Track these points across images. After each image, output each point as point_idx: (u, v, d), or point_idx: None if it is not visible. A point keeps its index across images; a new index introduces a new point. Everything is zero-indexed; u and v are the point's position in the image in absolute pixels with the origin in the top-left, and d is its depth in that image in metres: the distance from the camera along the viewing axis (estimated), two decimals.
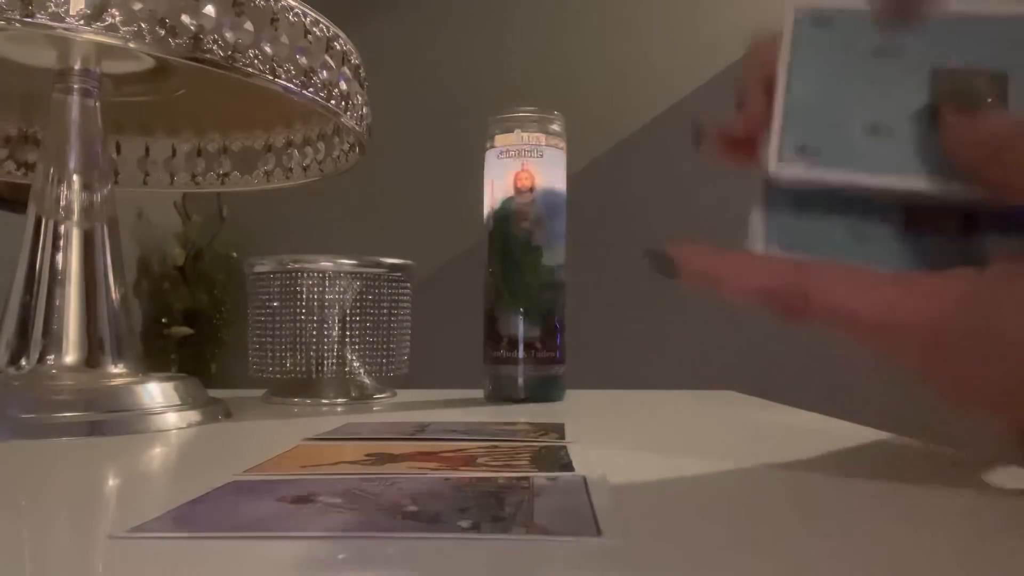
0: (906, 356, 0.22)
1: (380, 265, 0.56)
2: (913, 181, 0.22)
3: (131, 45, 0.36)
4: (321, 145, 0.56)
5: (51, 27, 0.34)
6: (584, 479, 0.25)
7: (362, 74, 0.50)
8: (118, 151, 0.59)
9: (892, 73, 0.23)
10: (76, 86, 0.44)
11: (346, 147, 0.55)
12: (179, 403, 0.42)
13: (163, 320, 1.59)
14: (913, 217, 0.23)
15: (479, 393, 0.57)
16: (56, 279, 0.42)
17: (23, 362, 0.41)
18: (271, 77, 0.40)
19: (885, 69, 0.23)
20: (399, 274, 0.57)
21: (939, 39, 0.23)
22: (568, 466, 0.28)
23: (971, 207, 0.22)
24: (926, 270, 0.22)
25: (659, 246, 0.25)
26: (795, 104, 0.24)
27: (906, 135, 0.23)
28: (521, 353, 0.55)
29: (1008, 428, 0.23)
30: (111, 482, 0.29)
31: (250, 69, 0.39)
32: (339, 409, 0.51)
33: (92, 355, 0.42)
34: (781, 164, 0.23)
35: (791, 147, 0.23)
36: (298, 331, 0.54)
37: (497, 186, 0.57)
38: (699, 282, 0.24)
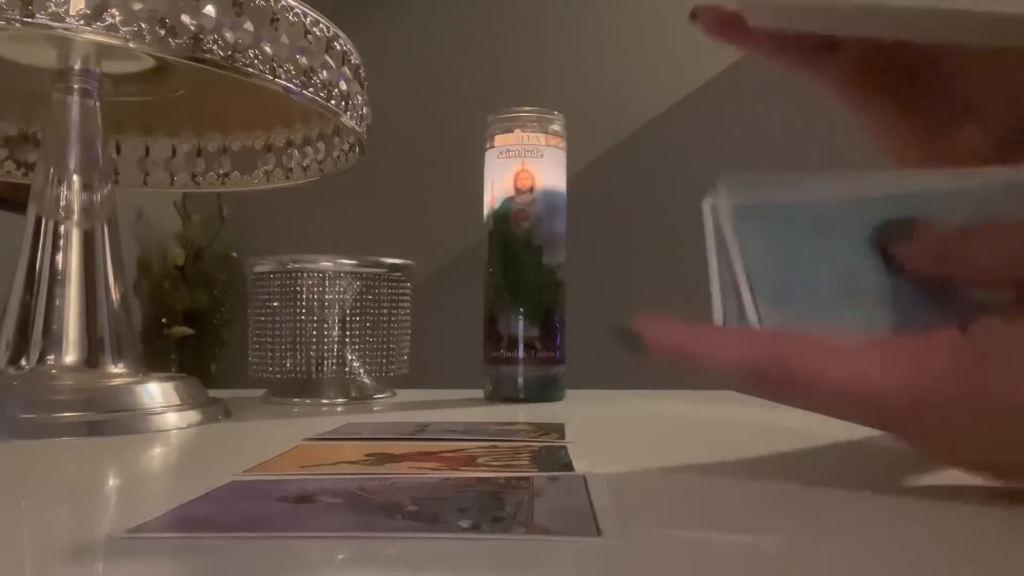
0: (891, 423, 0.22)
1: (380, 265, 0.56)
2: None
3: (131, 45, 0.36)
4: (321, 145, 0.56)
5: (51, 27, 0.34)
6: (584, 479, 0.25)
7: (362, 74, 0.50)
8: (118, 151, 0.59)
9: (838, 243, 0.24)
10: (76, 86, 0.44)
11: (346, 147, 0.55)
12: (179, 403, 0.42)
13: (163, 320, 1.59)
14: (898, 270, 0.23)
15: (479, 393, 0.57)
16: (56, 279, 0.42)
17: (23, 362, 0.41)
18: (271, 77, 0.40)
19: (830, 240, 0.24)
20: (399, 274, 0.57)
21: (871, 212, 0.24)
22: (568, 466, 0.28)
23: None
24: (910, 329, 0.22)
25: (624, 323, 0.24)
26: (755, 272, 0.24)
27: (874, 290, 0.23)
28: (521, 353, 0.55)
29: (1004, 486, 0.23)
30: (111, 482, 0.29)
31: (250, 69, 0.39)
32: (339, 409, 0.51)
33: (92, 355, 0.42)
34: (761, 316, 0.24)
35: (767, 306, 0.24)
36: (298, 331, 0.54)
37: (497, 186, 0.57)
38: (669, 356, 0.23)
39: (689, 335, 0.23)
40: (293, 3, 0.42)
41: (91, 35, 0.35)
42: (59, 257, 0.43)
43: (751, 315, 0.24)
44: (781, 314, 0.23)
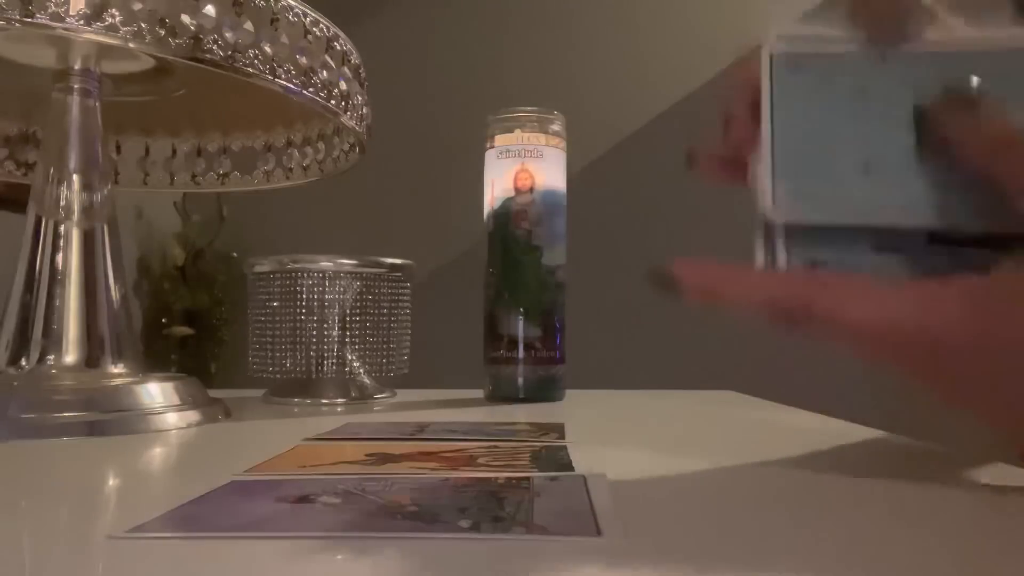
0: (909, 364, 0.22)
1: (380, 265, 0.56)
2: (912, 216, 0.23)
3: (131, 45, 0.36)
4: (321, 145, 0.56)
5: (51, 27, 0.34)
6: (584, 479, 0.25)
7: (362, 74, 0.50)
8: (118, 151, 0.59)
9: (875, 111, 0.23)
10: (76, 86, 0.44)
11: (346, 147, 0.55)
12: (179, 403, 0.42)
13: (163, 320, 1.59)
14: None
15: (479, 393, 0.57)
16: (56, 279, 0.42)
17: (23, 362, 0.41)
18: (271, 77, 0.40)
19: (867, 108, 0.23)
20: (399, 274, 0.57)
21: (917, 75, 0.23)
22: (568, 466, 0.28)
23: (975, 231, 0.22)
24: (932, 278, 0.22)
25: (660, 264, 0.25)
26: (782, 149, 0.24)
27: (899, 169, 0.23)
28: (521, 353, 0.55)
29: (1009, 435, 0.23)
30: (111, 482, 0.29)
31: (250, 69, 0.39)
32: (339, 409, 0.51)
33: (92, 355, 0.42)
34: (776, 208, 0.23)
35: (783, 191, 0.23)
36: (298, 331, 0.54)
37: (497, 186, 0.57)
38: (702, 296, 0.24)
39: (721, 275, 0.24)
40: (293, 3, 0.42)
41: (91, 35, 0.35)
42: (59, 257, 0.43)
43: (765, 200, 0.23)
44: (795, 194, 0.23)
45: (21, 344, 0.41)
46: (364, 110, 0.50)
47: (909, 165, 0.23)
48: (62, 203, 0.43)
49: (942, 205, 0.22)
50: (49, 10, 0.34)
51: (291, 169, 0.58)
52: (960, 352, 0.21)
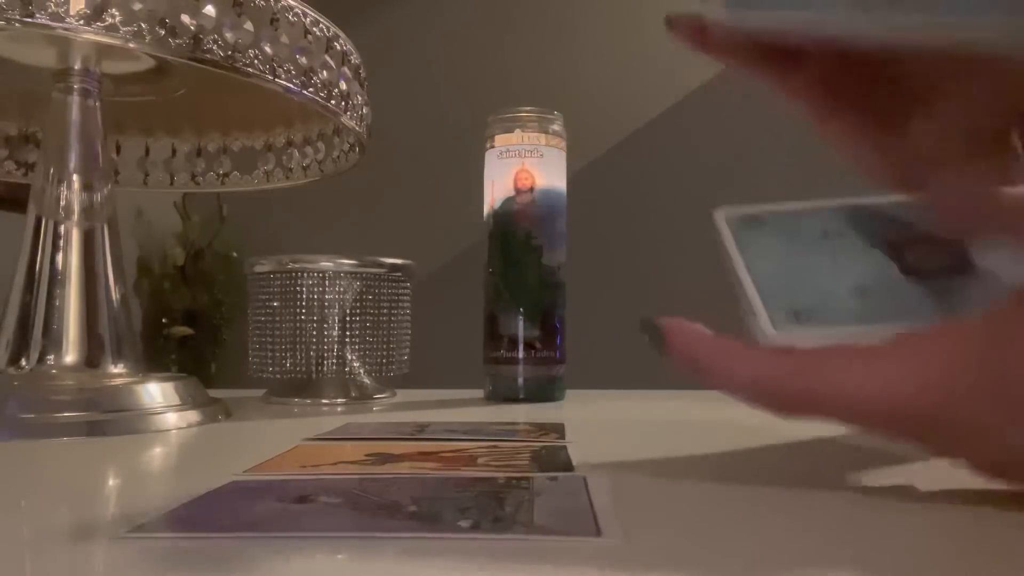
0: (919, 431, 0.20)
1: (380, 265, 0.56)
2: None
3: (131, 45, 0.36)
4: (321, 145, 0.56)
5: (51, 27, 0.34)
6: (584, 479, 0.25)
7: (362, 74, 0.50)
8: (118, 151, 0.59)
9: (846, 247, 0.24)
10: (76, 86, 0.44)
11: (346, 147, 0.55)
12: (179, 403, 0.42)
13: (163, 320, 1.59)
14: (906, 260, 0.23)
15: (479, 393, 0.57)
16: (56, 279, 0.42)
17: (23, 362, 0.41)
18: (271, 77, 0.40)
19: (836, 245, 0.24)
20: (399, 274, 0.57)
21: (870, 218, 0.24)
22: (568, 466, 0.28)
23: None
24: (927, 323, 0.21)
25: (653, 318, 0.25)
26: (766, 285, 0.24)
27: (889, 289, 0.23)
28: (521, 353, 0.55)
29: None
30: (111, 482, 0.29)
31: (250, 69, 0.39)
32: (339, 409, 0.51)
33: (92, 355, 0.42)
34: (779, 332, 0.23)
35: (782, 315, 0.23)
36: (298, 331, 0.54)
37: (497, 186, 0.57)
38: (688, 367, 0.23)
39: (710, 350, 0.23)
40: (293, 3, 0.42)
41: (91, 35, 0.35)
42: (59, 257, 0.43)
43: (766, 327, 0.23)
44: (798, 325, 0.23)
45: (21, 344, 0.41)
46: (364, 110, 0.50)
47: (895, 281, 0.23)
48: (62, 203, 0.43)
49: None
50: (49, 10, 0.34)
51: (291, 169, 0.58)
52: (973, 403, 0.19)
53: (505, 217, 0.56)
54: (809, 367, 0.21)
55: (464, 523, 0.20)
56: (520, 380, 0.55)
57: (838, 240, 0.24)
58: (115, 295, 0.44)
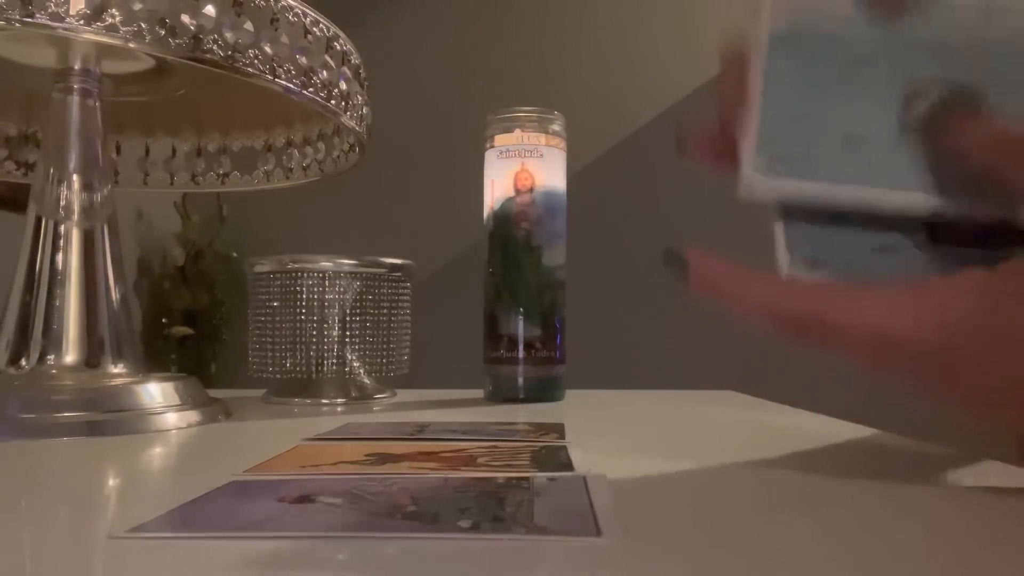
0: (918, 367, 0.22)
1: (380, 265, 0.56)
2: (892, 196, 0.22)
3: (131, 45, 0.36)
4: (321, 145, 0.56)
5: (51, 27, 0.34)
6: (584, 479, 0.25)
7: (362, 74, 0.50)
8: (118, 151, 0.59)
9: (864, 86, 0.23)
10: (76, 86, 0.44)
11: (346, 147, 0.55)
12: (179, 403, 0.42)
13: (163, 320, 1.59)
14: (935, 227, 0.23)
15: (479, 393, 0.57)
16: (56, 279, 0.42)
17: (23, 362, 0.41)
18: (271, 77, 0.40)
19: (856, 83, 0.23)
20: (399, 274, 0.57)
21: (908, 54, 0.23)
22: (568, 466, 0.28)
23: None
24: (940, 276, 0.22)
25: (678, 247, 0.25)
26: (768, 118, 0.24)
27: (885, 145, 0.23)
28: (521, 353, 0.55)
29: (1017, 434, 0.23)
30: (111, 482, 0.29)
31: (250, 69, 0.39)
32: (339, 409, 0.51)
33: (92, 355, 0.42)
34: (755, 176, 0.23)
35: (765, 160, 0.23)
36: (298, 331, 0.54)
37: (497, 186, 0.57)
38: (709, 292, 0.24)
39: (730, 275, 0.24)
40: (293, 3, 0.42)
41: (91, 35, 0.35)
42: (59, 257, 0.43)
43: (747, 171, 0.23)
44: (772, 168, 0.23)
45: (21, 344, 0.41)
46: (364, 110, 0.50)
47: (894, 145, 0.22)
48: (62, 203, 0.43)
49: (927, 187, 0.22)
50: (49, 10, 0.34)
51: (291, 169, 0.58)
52: (972, 346, 0.20)
53: (505, 217, 0.56)
54: (822, 296, 0.22)
55: (464, 523, 0.20)
56: (520, 380, 0.55)
57: (857, 77, 0.23)
58: (115, 295, 0.44)
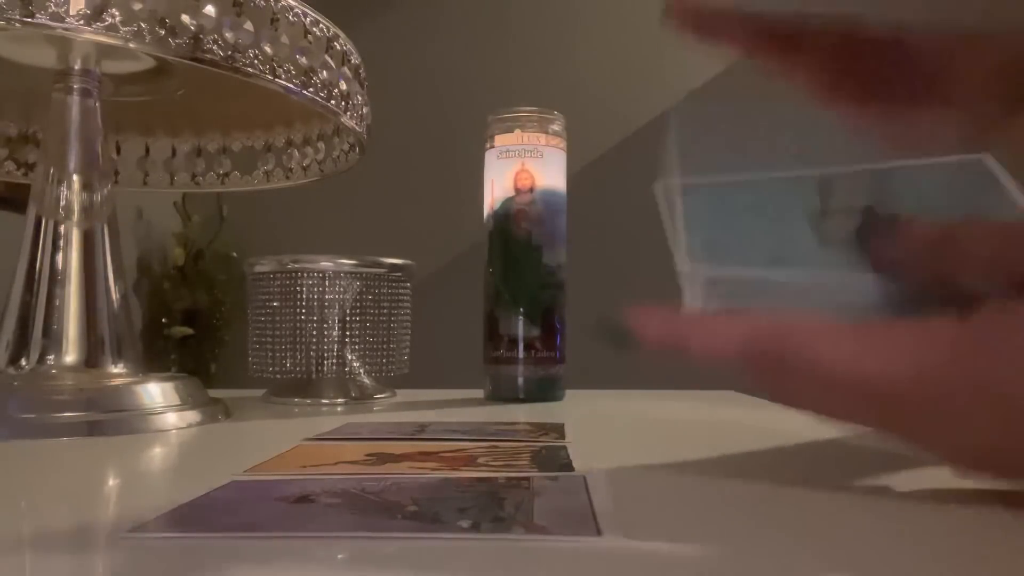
0: (891, 418, 0.21)
1: (380, 265, 0.56)
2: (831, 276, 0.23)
3: (131, 45, 0.36)
4: (321, 145, 0.56)
5: (51, 27, 0.34)
6: (584, 479, 0.25)
7: (362, 74, 0.50)
8: (118, 151, 0.59)
9: (769, 217, 0.25)
10: (76, 86, 0.44)
11: (346, 147, 0.55)
12: (179, 403, 0.42)
13: (163, 320, 1.59)
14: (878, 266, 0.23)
15: (479, 393, 0.57)
16: (56, 279, 0.42)
17: (23, 362, 0.41)
18: (271, 77, 0.40)
19: (763, 215, 0.25)
20: (399, 274, 0.57)
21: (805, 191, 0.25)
22: (568, 466, 0.28)
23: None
24: (904, 317, 0.21)
25: (610, 316, 0.25)
26: (695, 242, 0.25)
27: (811, 258, 0.24)
28: (521, 353, 0.55)
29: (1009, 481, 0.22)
30: (111, 482, 0.29)
31: (250, 69, 0.39)
32: (339, 409, 0.51)
33: (92, 355, 0.42)
34: (692, 265, 0.24)
35: (697, 250, 0.24)
36: (298, 331, 0.54)
37: (497, 186, 0.57)
38: (664, 346, 0.23)
39: (682, 323, 0.23)
40: (293, 3, 0.42)
41: (91, 35, 0.35)
42: (59, 257, 0.43)
43: (683, 268, 0.24)
44: (711, 272, 0.24)
45: (21, 344, 0.41)
46: (364, 110, 0.50)
47: (817, 262, 0.24)
48: (62, 203, 0.43)
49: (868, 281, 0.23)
50: (49, 10, 0.34)
51: (291, 169, 0.58)
52: (943, 397, 0.19)
53: (505, 217, 0.56)
54: (792, 333, 0.21)
55: (464, 523, 0.20)
56: (520, 380, 0.55)
57: (764, 209, 0.25)
58: (115, 295, 0.44)
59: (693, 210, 0.25)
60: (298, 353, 0.54)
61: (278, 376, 0.55)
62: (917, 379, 0.19)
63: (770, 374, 0.22)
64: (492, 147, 0.57)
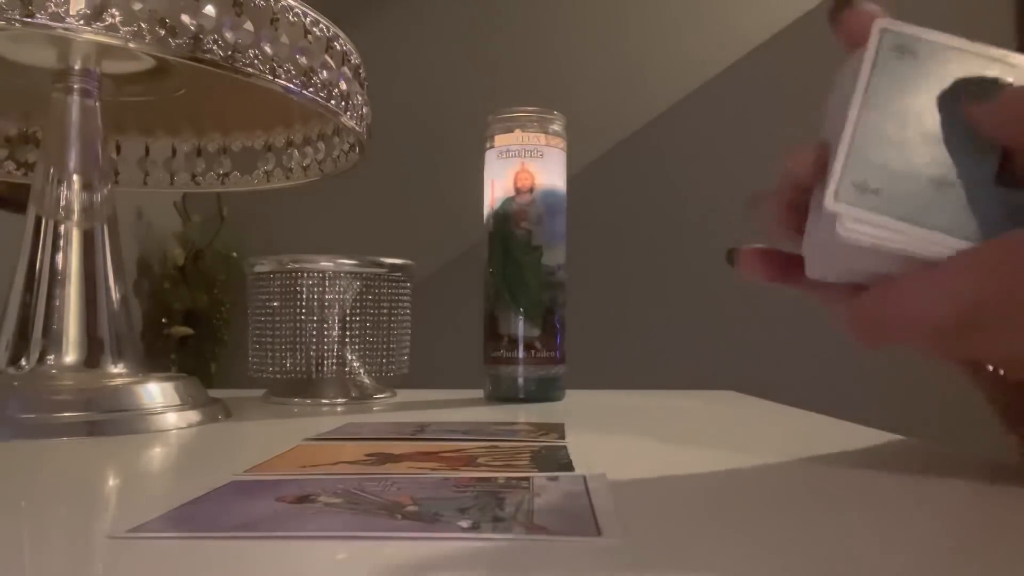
0: (978, 343, 0.22)
1: (380, 265, 0.56)
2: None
3: (131, 45, 0.36)
4: (321, 145, 0.56)
5: (51, 27, 0.34)
6: (584, 479, 0.25)
7: (362, 74, 0.50)
8: (118, 151, 0.59)
9: (963, 127, 0.22)
10: (76, 86, 0.44)
11: (346, 147, 0.55)
12: (179, 403, 0.42)
13: (163, 320, 1.59)
14: (1002, 166, 0.22)
15: (479, 393, 0.57)
16: (56, 279, 0.42)
17: (23, 362, 0.41)
18: (271, 77, 0.40)
19: (958, 118, 0.22)
20: (399, 274, 0.57)
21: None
22: (568, 466, 0.28)
23: None
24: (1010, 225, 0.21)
25: (734, 248, 0.27)
26: (864, 138, 0.22)
27: (973, 196, 0.22)
28: (521, 353, 0.55)
29: None
30: (111, 482, 0.29)
31: (250, 69, 0.39)
32: (339, 409, 0.51)
33: (92, 355, 0.42)
34: (838, 201, 0.22)
35: (852, 183, 0.22)
36: (298, 331, 0.54)
37: (497, 186, 0.57)
38: (770, 280, 0.27)
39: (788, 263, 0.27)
40: (293, 3, 0.42)
41: (91, 35, 0.35)
42: (59, 257, 0.43)
43: (828, 199, 0.22)
44: (857, 202, 0.22)
45: (21, 344, 0.41)
46: (364, 110, 0.50)
47: (984, 193, 0.22)
48: (62, 203, 0.43)
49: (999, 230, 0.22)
50: (49, 10, 0.34)
51: (291, 169, 0.58)
52: (1008, 296, 0.20)
53: (505, 217, 0.56)
54: (889, 293, 0.23)
55: (464, 523, 0.20)
56: (520, 380, 0.55)
57: (956, 106, 0.22)
58: (115, 295, 0.44)
59: (895, 79, 0.22)
60: (298, 353, 0.54)
61: (278, 376, 0.54)
62: (995, 286, 0.21)
63: (866, 326, 0.23)
64: (492, 147, 0.57)
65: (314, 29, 0.43)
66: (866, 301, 0.23)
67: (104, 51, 0.44)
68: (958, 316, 0.21)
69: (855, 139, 0.23)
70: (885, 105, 0.23)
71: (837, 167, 0.22)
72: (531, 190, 0.56)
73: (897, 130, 0.22)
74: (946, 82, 0.22)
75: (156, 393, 0.41)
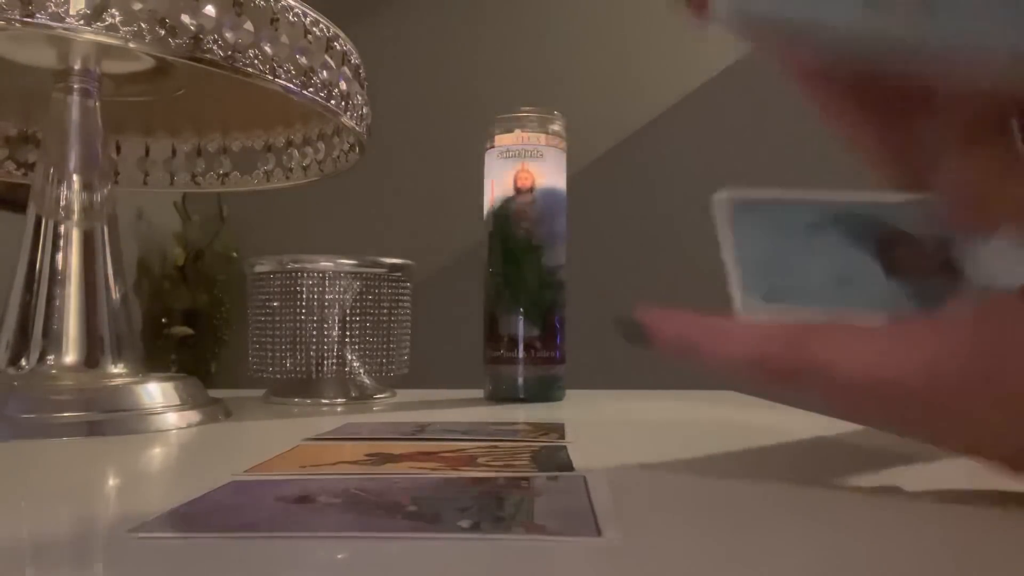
0: (909, 415, 0.21)
1: (380, 265, 0.56)
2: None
3: (131, 45, 0.36)
4: (321, 145, 0.56)
5: (51, 27, 0.34)
6: (584, 479, 0.25)
7: (362, 74, 0.50)
8: (118, 151, 0.59)
9: (831, 241, 0.23)
10: (76, 86, 0.44)
11: (346, 147, 0.55)
12: (179, 403, 0.42)
13: (163, 320, 1.59)
14: (893, 260, 0.23)
15: (479, 393, 0.57)
16: (56, 279, 0.42)
17: (23, 362, 0.41)
18: (271, 77, 0.40)
19: (824, 238, 0.23)
20: (399, 274, 0.57)
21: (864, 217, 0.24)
22: (568, 466, 0.28)
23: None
24: (915, 312, 0.22)
25: (627, 315, 0.24)
26: (748, 267, 0.24)
27: (868, 283, 0.23)
28: (521, 353, 0.55)
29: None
30: (111, 482, 0.29)
31: (250, 69, 0.39)
32: (339, 409, 0.51)
33: (92, 355, 0.42)
34: (746, 311, 0.24)
35: (754, 297, 0.23)
36: (298, 331, 0.54)
37: (497, 186, 0.57)
38: (675, 350, 0.23)
39: (695, 325, 0.23)
40: (293, 3, 0.42)
41: (91, 35, 0.35)
42: (59, 257, 0.43)
43: (736, 306, 0.23)
44: (768, 310, 0.23)
45: (21, 344, 0.41)
46: (364, 110, 0.50)
47: (885, 283, 0.23)
48: (62, 203, 0.43)
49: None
50: (49, 10, 0.34)
51: (291, 169, 0.58)
52: (962, 389, 0.19)
53: (505, 217, 0.56)
54: (809, 338, 0.21)
55: (464, 523, 0.20)
56: (520, 380, 0.55)
57: (823, 234, 0.24)
58: (115, 295, 0.44)
59: (745, 230, 0.24)
60: (298, 353, 0.54)
61: (278, 376, 0.55)
62: (935, 371, 0.19)
63: (783, 379, 0.22)
64: (492, 147, 0.57)
65: (314, 29, 0.43)
66: (799, 342, 0.22)
67: (104, 51, 0.44)
68: (930, 384, 0.20)
69: (742, 274, 0.24)
70: (754, 241, 0.24)
71: (735, 289, 0.24)
72: (531, 190, 0.56)
73: (774, 256, 0.24)
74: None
75: (156, 393, 0.41)
